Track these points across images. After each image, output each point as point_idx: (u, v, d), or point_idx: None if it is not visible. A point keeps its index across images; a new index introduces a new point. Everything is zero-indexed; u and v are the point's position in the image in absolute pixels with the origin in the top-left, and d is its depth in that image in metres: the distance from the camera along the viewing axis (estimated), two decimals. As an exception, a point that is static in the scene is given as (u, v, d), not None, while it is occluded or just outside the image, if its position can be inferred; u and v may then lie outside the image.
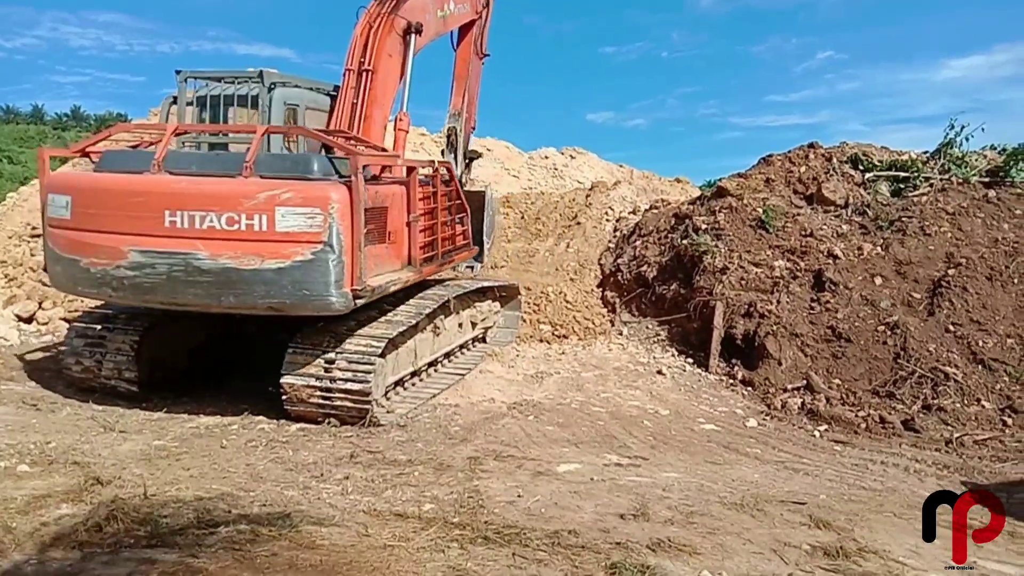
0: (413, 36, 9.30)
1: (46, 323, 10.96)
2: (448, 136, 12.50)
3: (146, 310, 8.05)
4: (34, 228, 13.11)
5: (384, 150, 8.53)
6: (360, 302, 6.95)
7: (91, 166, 8.06)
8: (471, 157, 13.18)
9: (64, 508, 4.95)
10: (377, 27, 8.92)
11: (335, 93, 9.02)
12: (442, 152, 12.63)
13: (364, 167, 7.02)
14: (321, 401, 7.34)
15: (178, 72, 8.73)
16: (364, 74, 8.80)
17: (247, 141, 8.68)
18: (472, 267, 11.93)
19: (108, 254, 6.97)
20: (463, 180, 12.75)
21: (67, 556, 4.22)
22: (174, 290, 6.86)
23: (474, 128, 12.82)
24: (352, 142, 8.00)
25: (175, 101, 8.85)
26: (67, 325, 9.64)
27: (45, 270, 7.91)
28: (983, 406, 8.46)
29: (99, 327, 8.20)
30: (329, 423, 7.39)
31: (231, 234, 6.65)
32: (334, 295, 6.76)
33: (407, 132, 9.39)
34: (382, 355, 7.47)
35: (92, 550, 4.29)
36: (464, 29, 11.74)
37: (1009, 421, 8.20)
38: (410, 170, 8.19)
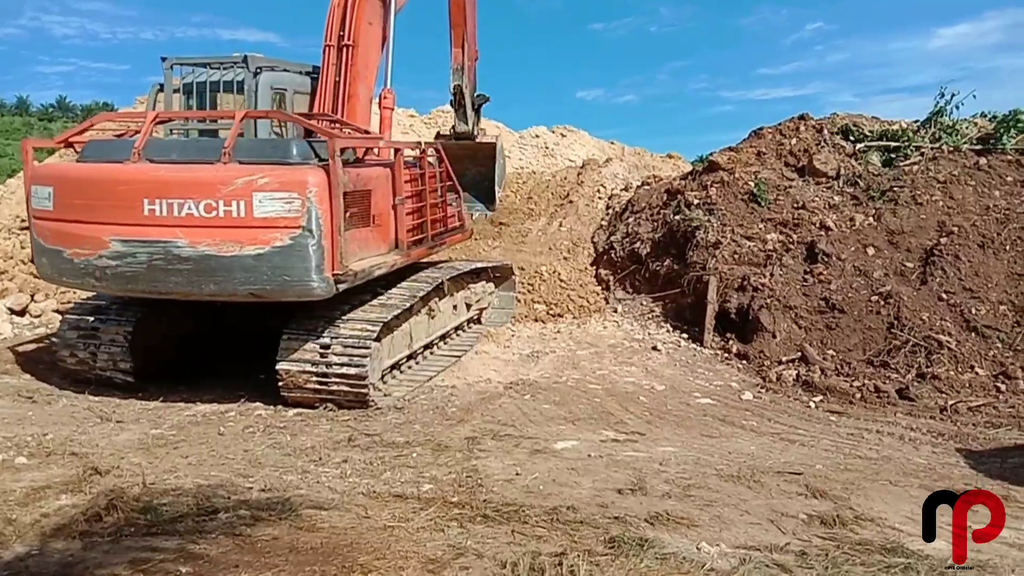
0: None
1: (39, 315, 10.92)
2: (454, 95, 13.03)
3: (138, 300, 8.03)
4: (23, 220, 13.02)
5: (367, 131, 8.39)
6: (342, 287, 6.88)
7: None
8: (480, 103, 13.82)
9: (64, 499, 4.96)
10: None
11: (317, 75, 8.91)
12: (453, 106, 13.33)
13: (343, 150, 6.98)
14: (317, 386, 7.34)
15: (164, 59, 8.63)
16: (344, 49, 8.62)
17: (229, 126, 8.60)
18: (486, 213, 13.78)
19: (91, 244, 6.96)
20: (474, 131, 13.91)
21: (68, 546, 4.23)
22: (155, 279, 6.85)
23: (477, 58, 13.12)
24: (336, 125, 7.91)
25: (162, 89, 8.76)
26: (60, 317, 9.59)
27: (33, 262, 7.83)
28: (977, 373, 8.51)
29: (92, 318, 8.16)
30: (326, 408, 7.39)
31: (209, 221, 6.61)
32: (315, 280, 6.70)
33: (392, 110, 9.24)
34: (377, 339, 7.47)
35: (93, 539, 4.30)
36: None
37: (1003, 387, 8.25)
38: (395, 152, 8.11)
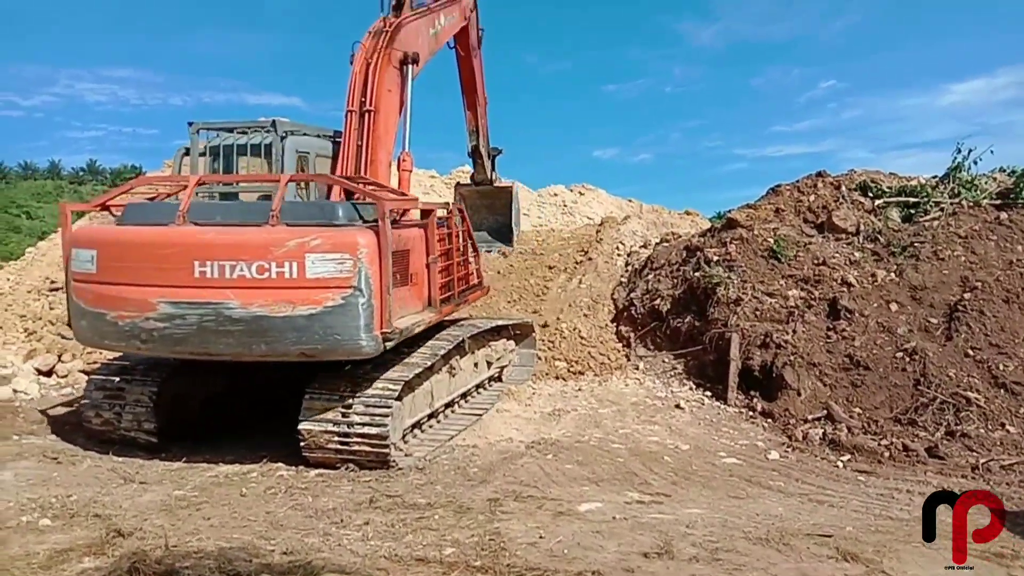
0: (410, 67, 9.44)
1: (65, 376, 11.03)
2: (472, 154, 15.13)
3: (164, 360, 8.11)
4: (53, 282, 13.29)
5: (404, 194, 8.59)
6: (389, 344, 7.02)
7: (110, 219, 8.16)
8: (494, 155, 15.66)
9: (87, 562, 4.96)
10: (375, 63, 9.02)
11: (338, 139, 9.16)
12: (472, 158, 15.49)
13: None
14: (339, 446, 7.34)
15: (190, 124, 8.93)
16: (366, 115, 8.88)
17: (257, 190, 8.83)
18: (504, 251, 15.83)
19: (137, 306, 7.03)
20: (492, 178, 15.91)
21: (90, 611, 4.22)
22: (205, 340, 6.91)
23: (487, 103, 14.56)
24: (374, 187, 8.14)
25: (188, 152, 9.02)
26: (86, 378, 9.70)
27: (69, 325, 7.90)
28: (1007, 430, 8.35)
29: (117, 379, 8.25)
30: (348, 468, 7.37)
31: (262, 282, 6.74)
32: (364, 339, 6.84)
33: (411, 172, 9.49)
34: (399, 398, 7.48)
35: (115, 604, 4.29)
36: (457, 38, 12.44)
37: (1035, 445, 8.08)
38: (427, 213, 8.31)
